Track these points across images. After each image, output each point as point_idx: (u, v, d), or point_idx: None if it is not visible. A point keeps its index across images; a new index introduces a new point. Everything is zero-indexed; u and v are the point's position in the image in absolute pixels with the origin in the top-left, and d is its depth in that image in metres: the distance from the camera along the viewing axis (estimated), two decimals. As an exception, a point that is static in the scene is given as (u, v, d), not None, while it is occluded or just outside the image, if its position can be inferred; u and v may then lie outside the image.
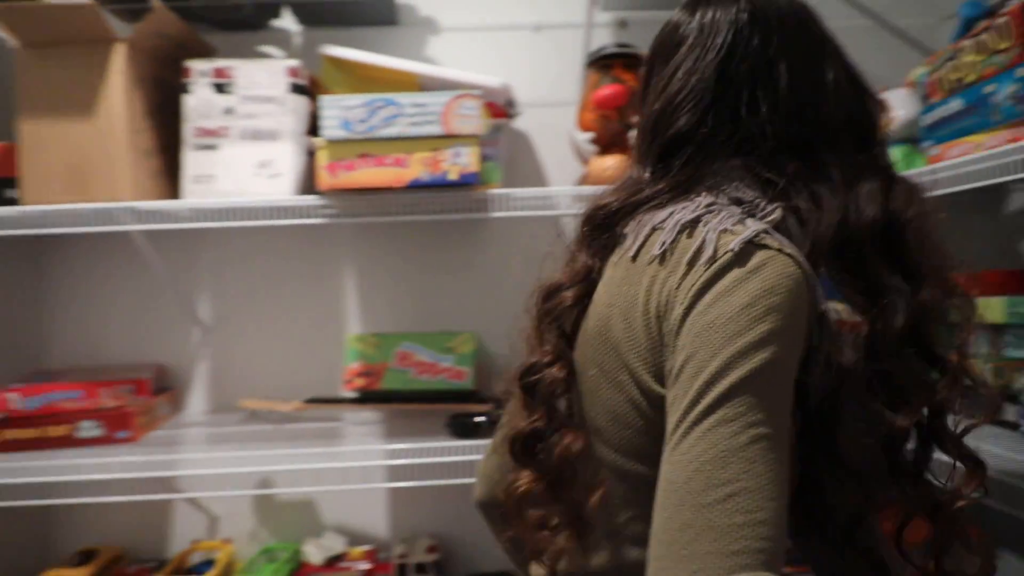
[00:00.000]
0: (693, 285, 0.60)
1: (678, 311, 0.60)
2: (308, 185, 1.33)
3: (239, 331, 1.61)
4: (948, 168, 1.09)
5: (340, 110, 1.18)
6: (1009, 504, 0.88)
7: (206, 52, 1.45)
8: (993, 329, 1.16)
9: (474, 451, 1.26)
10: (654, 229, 0.68)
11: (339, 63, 1.38)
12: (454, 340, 1.43)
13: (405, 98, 1.18)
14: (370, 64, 1.36)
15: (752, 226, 0.61)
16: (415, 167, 1.18)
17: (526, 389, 0.73)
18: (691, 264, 0.62)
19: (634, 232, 0.70)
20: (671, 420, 0.58)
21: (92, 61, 1.27)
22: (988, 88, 1.08)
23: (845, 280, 0.66)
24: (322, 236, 1.61)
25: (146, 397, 1.48)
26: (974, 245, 1.50)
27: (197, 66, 1.30)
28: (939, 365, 0.65)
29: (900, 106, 1.31)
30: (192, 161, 1.30)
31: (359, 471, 1.31)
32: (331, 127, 1.18)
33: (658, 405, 0.62)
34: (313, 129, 1.35)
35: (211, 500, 1.63)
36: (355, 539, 1.64)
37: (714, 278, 0.59)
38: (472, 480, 1.00)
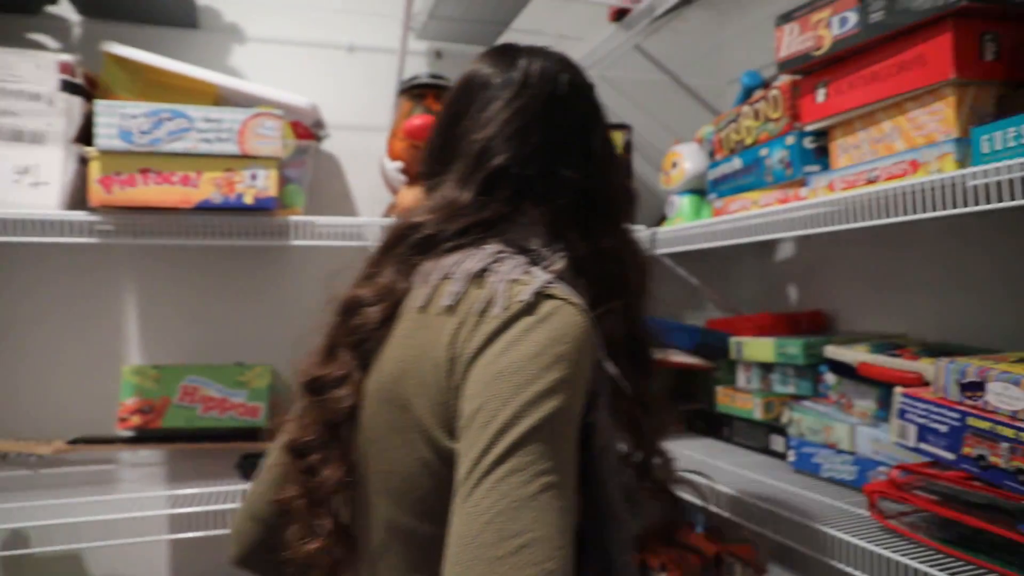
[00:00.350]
0: (483, 335, 0.61)
1: (468, 361, 0.61)
2: (80, 198, 1.18)
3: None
4: (729, 221, 1.20)
5: (119, 118, 1.06)
6: (777, 532, 0.96)
7: (-45, 34, 1.24)
8: (763, 367, 1.29)
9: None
10: (444, 278, 0.68)
11: (124, 63, 1.25)
12: (247, 373, 1.32)
13: (197, 111, 1.09)
14: (162, 68, 1.23)
15: (540, 276, 0.64)
16: (205, 187, 1.08)
17: (311, 393, 0.71)
18: (482, 314, 0.62)
19: (422, 281, 0.69)
20: (461, 470, 0.57)
21: None
22: (763, 151, 1.20)
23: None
24: (97, 256, 1.42)
25: None
26: (748, 289, 1.66)
27: (-61, 49, 1.11)
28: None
29: (689, 159, 1.42)
30: (-72, 161, 1.10)
31: (135, 522, 1.16)
32: (107, 136, 1.05)
33: (450, 462, 0.61)
34: (88, 136, 1.20)
35: (-60, 560, 1.38)
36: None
37: (503, 328, 0.60)
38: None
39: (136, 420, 1.27)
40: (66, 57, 1.18)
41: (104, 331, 1.43)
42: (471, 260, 0.67)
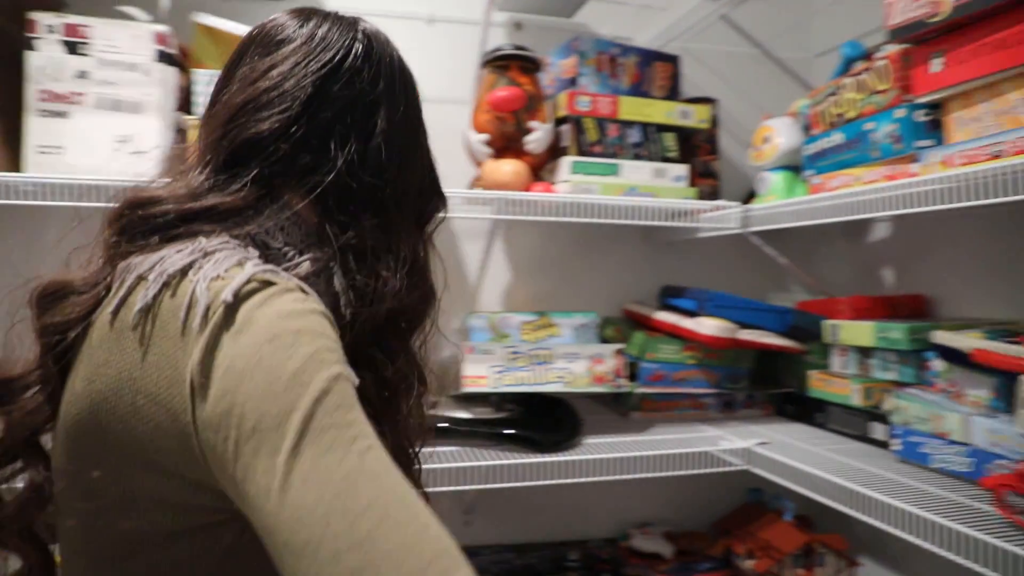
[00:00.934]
0: (198, 358, 0.48)
1: (193, 394, 0.48)
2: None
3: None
4: (830, 199, 1.14)
5: (217, 88, 1.06)
6: (886, 522, 0.92)
7: (55, 5, 1.26)
8: (861, 352, 1.23)
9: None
10: (139, 279, 0.53)
11: (214, 34, 1.25)
12: None
13: (293, 81, 1.08)
14: (251, 40, 1.23)
15: (250, 269, 0.52)
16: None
17: None
18: (184, 332, 0.49)
19: (118, 280, 0.55)
20: (251, 491, 0.45)
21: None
22: (868, 125, 1.14)
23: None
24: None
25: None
26: (838, 271, 1.60)
27: (44, 19, 1.13)
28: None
29: (783, 134, 1.36)
30: (37, 129, 1.12)
31: None
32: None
33: (186, 499, 0.51)
34: (185, 105, 1.21)
35: None
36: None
37: (214, 342, 0.48)
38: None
39: None
40: (161, 28, 1.19)
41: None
42: (176, 256, 0.53)
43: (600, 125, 1.36)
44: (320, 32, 0.65)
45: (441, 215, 0.71)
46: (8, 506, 0.56)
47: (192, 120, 1.10)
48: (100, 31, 1.15)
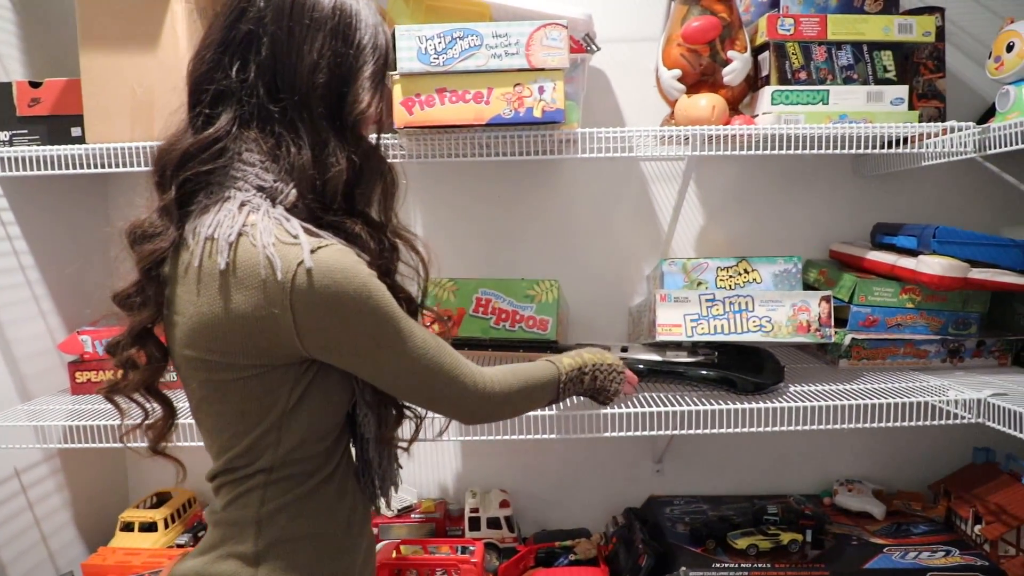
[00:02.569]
0: (285, 303, 0.70)
1: (290, 324, 0.71)
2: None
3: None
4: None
5: (416, 40, 1.09)
6: None
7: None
8: None
9: (549, 406, 1.20)
10: (207, 240, 0.72)
11: (407, -7, 1.29)
12: (536, 288, 1.35)
13: (485, 27, 1.09)
14: (439, -7, 1.26)
15: (302, 239, 0.71)
16: (496, 103, 1.10)
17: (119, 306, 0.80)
18: (266, 284, 0.70)
19: (191, 239, 0.74)
20: (358, 368, 0.78)
21: (152, -11, 1.21)
22: None
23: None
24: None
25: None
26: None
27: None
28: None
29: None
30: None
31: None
32: (407, 59, 1.10)
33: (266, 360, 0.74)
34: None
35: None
36: (424, 490, 1.62)
37: (304, 296, 0.70)
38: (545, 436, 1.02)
39: (435, 329, 1.36)
40: (360, -9, 1.25)
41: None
42: (226, 220, 0.72)
43: (805, 49, 1.25)
44: None
45: (360, 107, 0.79)
46: (140, 371, 0.81)
47: (394, 76, 1.15)
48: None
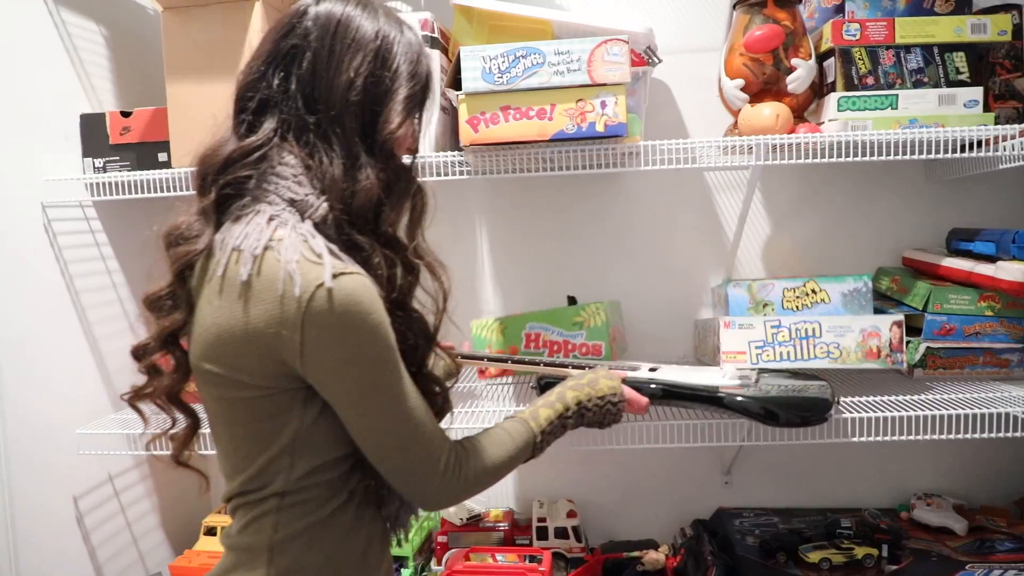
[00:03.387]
0: (296, 322, 0.71)
1: (296, 344, 0.72)
2: (441, 142, 1.31)
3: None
4: None
5: (480, 60, 1.13)
6: None
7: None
8: None
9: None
10: (234, 251, 0.74)
11: (469, 13, 1.33)
12: (582, 314, 1.34)
13: (547, 45, 1.12)
14: (502, 13, 1.29)
15: (325, 260, 0.71)
16: (559, 119, 1.12)
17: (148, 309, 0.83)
18: (283, 300, 0.71)
19: (219, 248, 0.76)
20: (341, 406, 0.76)
21: (232, 20, 1.28)
22: None
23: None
24: (456, 195, 1.59)
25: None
26: None
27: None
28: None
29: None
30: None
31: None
32: (472, 79, 1.13)
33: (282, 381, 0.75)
34: (453, 83, 1.31)
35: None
36: (491, 501, 1.64)
37: (316, 318, 0.71)
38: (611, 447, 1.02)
39: (493, 371, 1.38)
40: (425, 14, 1.29)
41: (464, 259, 1.61)
42: (254, 232, 0.73)
43: (872, 53, 1.24)
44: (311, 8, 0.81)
45: (390, 128, 0.80)
46: (164, 378, 0.83)
47: (460, 95, 1.18)
48: (377, 24, 1.28)
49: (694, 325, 1.56)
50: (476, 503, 1.58)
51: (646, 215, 1.57)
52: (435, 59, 1.28)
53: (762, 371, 1.20)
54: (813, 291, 1.26)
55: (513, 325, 1.38)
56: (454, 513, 1.53)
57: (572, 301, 1.43)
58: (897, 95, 1.22)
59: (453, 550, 1.48)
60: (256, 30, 1.26)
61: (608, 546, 1.53)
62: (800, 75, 1.25)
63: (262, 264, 0.72)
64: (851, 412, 1.16)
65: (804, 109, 1.32)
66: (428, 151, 1.26)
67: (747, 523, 1.52)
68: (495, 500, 1.65)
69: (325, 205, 0.76)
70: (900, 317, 1.20)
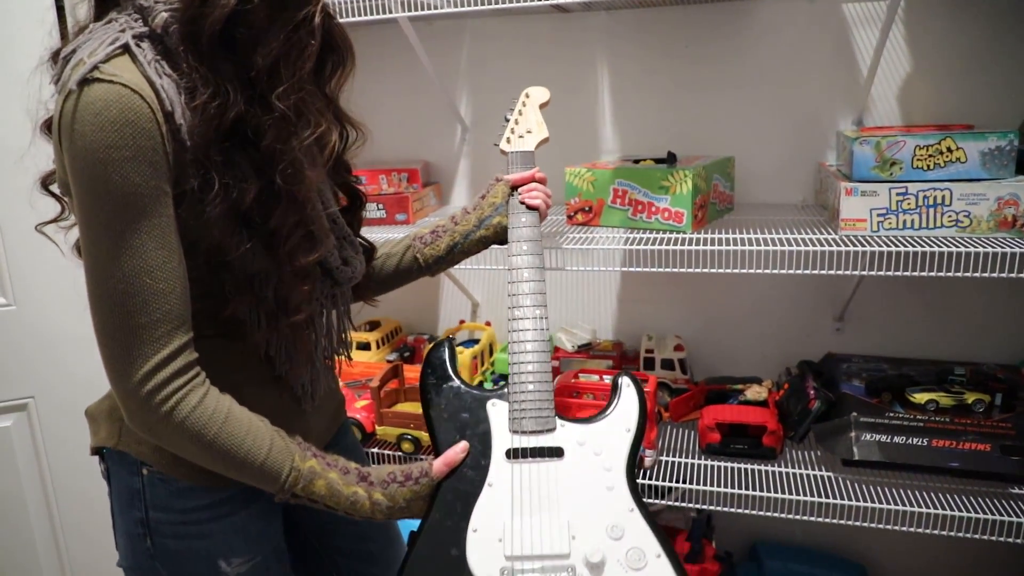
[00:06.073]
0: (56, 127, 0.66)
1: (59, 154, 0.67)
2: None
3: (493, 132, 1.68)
4: None
5: None
6: None
7: None
8: None
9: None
10: (71, 52, 0.68)
11: None
12: (670, 179, 1.31)
13: None
14: None
15: (88, 61, 0.63)
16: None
17: None
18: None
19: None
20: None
21: None
22: None
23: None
24: (576, 32, 1.59)
25: (418, 186, 1.63)
26: None
27: None
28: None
29: None
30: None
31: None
32: None
33: None
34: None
35: (474, 288, 1.81)
36: (600, 332, 1.74)
37: (61, 127, 0.65)
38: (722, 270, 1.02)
39: (580, 218, 1.42)
40: None
41: (583, 101, 1.62)
42: (95, 41, 0.67)
43: None
44: None
45: None
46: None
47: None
48: None
49: (816, 168, 1.53)
50: (583, 331, 1.68)
51: (777, 50, 1.51)
52: None
53: None
54: (949, 149, 1.17)
55: (603, 178, 1.39)
56: (566, 340, 1.64)
57: (672, 158, 1.42)
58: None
59: (566, 371, 1.60)
60: None
61: (712, 379, 1.60)
62: None
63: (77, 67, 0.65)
64: (987, 247, 1.12)
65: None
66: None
67: (855, 367, 1.54)
68: (603, 332, 1.74)
69: (165, 14, 0.67)
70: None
